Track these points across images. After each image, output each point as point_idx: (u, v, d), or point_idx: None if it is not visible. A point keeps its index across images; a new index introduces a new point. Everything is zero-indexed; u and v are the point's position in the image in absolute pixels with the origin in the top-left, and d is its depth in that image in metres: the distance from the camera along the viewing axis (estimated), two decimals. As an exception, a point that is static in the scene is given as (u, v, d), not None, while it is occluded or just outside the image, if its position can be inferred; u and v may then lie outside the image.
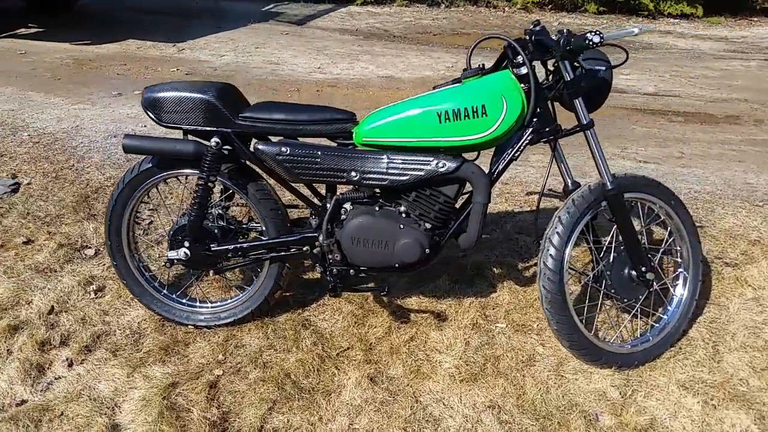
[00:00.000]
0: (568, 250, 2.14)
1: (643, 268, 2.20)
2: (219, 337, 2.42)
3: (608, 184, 2.12)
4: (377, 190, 2.23)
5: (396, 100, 2.22)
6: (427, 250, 2.16)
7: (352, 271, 2.27)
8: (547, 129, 2.16)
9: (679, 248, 2.36)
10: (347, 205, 2.23)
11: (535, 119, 2.13)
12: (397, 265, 2.20)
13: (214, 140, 2.13)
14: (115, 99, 4.97)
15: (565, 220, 2.13)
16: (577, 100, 2.12)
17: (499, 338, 2.42)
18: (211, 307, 2.48)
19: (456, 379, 2.21)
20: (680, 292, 2.37)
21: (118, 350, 2.35)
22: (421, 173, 2.11)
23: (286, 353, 2.33)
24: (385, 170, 2.13)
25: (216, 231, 2.32)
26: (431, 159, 2.11)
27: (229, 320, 2.44)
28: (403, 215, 2.19)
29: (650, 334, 2.34)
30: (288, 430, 2.03)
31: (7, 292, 2.61)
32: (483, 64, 2.17)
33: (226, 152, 2.17)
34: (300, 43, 7.15)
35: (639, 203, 2.29)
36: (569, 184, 2.26)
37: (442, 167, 2.11)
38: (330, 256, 2.23)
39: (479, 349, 2.36)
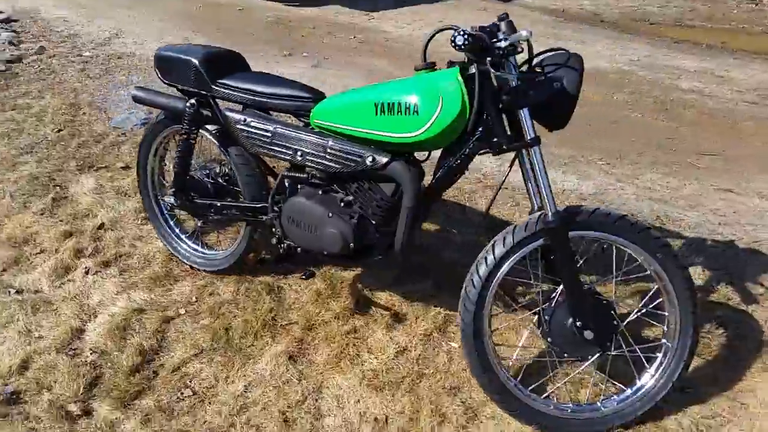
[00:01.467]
0: (494, 283, 1.88)
1: (578, 323, 1.84)
2: (203, 281, 2.65)
3: (549, 215, 1.80)
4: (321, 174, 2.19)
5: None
6: (352, 245, 2.08)
7: (298, 248, 2.29)
8: (494, 140, 1.88)
9: (666, 313, 1.91)
10: (292, 184, 2.24)
11: (480, 128, 1.89)
12: (324, 252, 2.16)
13: (191, 101, 2.31)
14: (283, 58, 5.46)
15: (497, 250, 1.88)
16: (521, 111, 1.81)
17: (441, 358, 2.24)
18: (205, 254, 2.71)
19: (365, 383, 2.13)
20: (652, 371, 1.92)
21: (125, 271, 2.72)
22: (353, 165, 2.03)
23: (242, 311, 2.46)
24: (324, 155, 2.09)
25: (207, 186, 2.52)
26: (364, 152, 2.01)
27: (213, 269, 2.65)
28: (342, 204, 2.13)
29: (601, 405, 1.95)
30: (196, 378, 2.18)
31: (86, 204, 3.17)
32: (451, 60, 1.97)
33: (206, 113, 2.34)
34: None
35: (611, 245, 1.89)
36: (535, 207, 1.97)
37: (371, 162, 2.00)
38: (273, 230, 2.28)
39: (411, 362, 2.22)
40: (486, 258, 1.89)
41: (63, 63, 5.25)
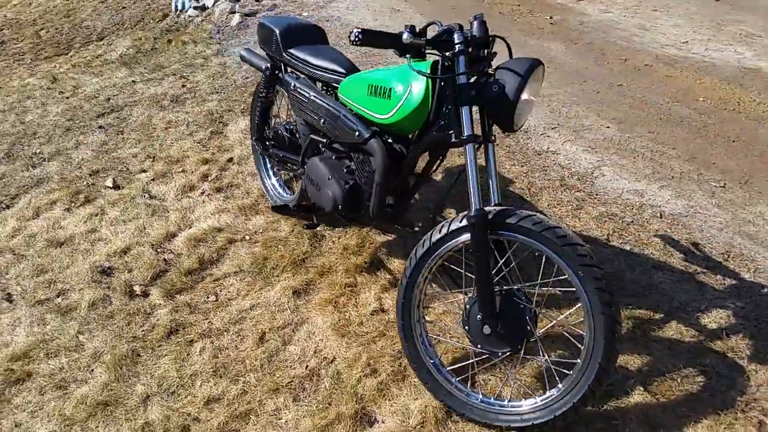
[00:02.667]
0: (426, 265, 2.01)
1: (481, 319, 1.89)
2: (275, 218, 3.15)
3: (471, 212, 1.87)
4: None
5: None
6: (340, 206, 2.36)
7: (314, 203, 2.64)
8: (450, 132, 1.97)
9: (584, 332, 1.84)
10: (315, 146, 2.57)
11: (441, 121, 1.99)
12: (324, 209, 2.48)
13: (266, 65, 2.76)
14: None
15: (434, 236, 1.99)
16: (462, 109, 1.87)
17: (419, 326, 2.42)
18: (280, 195, 3.21)
19: (335, 327, 2.44)
20: (560, 385, 1.88)
21: (228, 198, 3.37)
22: (349, 136, 2.29)
23: (284, 248, 2.92)
24: (335, 124, 2.38)
25: (284, 138, 2.99)
26: (355, 126, 2.26)
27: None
28: (345, 170, 2.41)
29: (507, 403, 1.99)
30: (225, 289, 2.72)
31: (231, 141, 3.91)
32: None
33: (279, 77, 2.78)
34: (706, 13, 6.12)
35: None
36: (493, 201, 2.03)
37: (357, 136, 2.24)
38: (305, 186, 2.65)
39: (381, 323, 2.45)
40: (424, 242, 2.03)
41: (283, 20, 6.18)
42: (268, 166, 3.31)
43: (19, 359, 2.42)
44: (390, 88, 2.07)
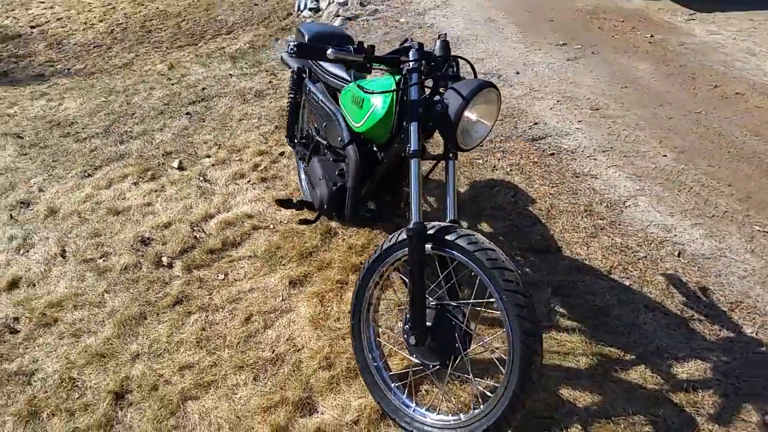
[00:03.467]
0: (376, 271, 2.08)
1: (412, 335, 1.93)
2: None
3: (410, 225, 1.92)
4: None
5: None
6: (325, 206, 2.50)
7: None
8: (407, 146, 2.02)
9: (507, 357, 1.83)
10: (317, 146, 2.72)
11: (402, 134, 2.05)
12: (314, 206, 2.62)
13: (293, 68, 2.96)
14: (555, 48, 5.49)
15: (385, 245, 2.06)
16: (410, 124, 1.92)
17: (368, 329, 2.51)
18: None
19: (313, 319, 2.57)
20: (481, 407, 1.88)
21: (268, 189, 3.62)
22: (334, 141, 2.42)
23: (298, 240, 3.10)
24: (328, 128, 2.52)
25: (312, 136, 3.17)
26: (341, 132, 2.38)
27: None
28: (337, 172, 2.53)
29: (427, 413, 2.01)
30: (235, 270, 2.96)
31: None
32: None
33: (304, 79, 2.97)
34: None
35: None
36: (447, 219, 2.07)
37: (339, 141, 2.36)
38: None
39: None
40: (377, 249, 2.11)
41: (378, 26, 6.38)
42: (301, 162, 3.52)
43: (53, 306, 2.82)
44: (364, 99, 2.17)
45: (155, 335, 2.60)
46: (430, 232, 1.91)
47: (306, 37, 2.89)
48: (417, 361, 2.03)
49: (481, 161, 3.60)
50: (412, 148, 1.95)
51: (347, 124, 2.38)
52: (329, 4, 7.49)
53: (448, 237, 1.87)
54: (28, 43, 8.53)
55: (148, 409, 2.24)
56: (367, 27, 6.26)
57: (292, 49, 1.87)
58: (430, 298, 1.99)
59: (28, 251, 3.26)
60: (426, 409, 2.06)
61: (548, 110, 4.16)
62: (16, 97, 5.80)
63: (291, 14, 8.73)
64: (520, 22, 6.09)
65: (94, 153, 4.24)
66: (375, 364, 2.16)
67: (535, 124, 3.98)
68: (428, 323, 1.95)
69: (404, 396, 2.11)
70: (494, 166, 3.54)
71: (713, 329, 2.34)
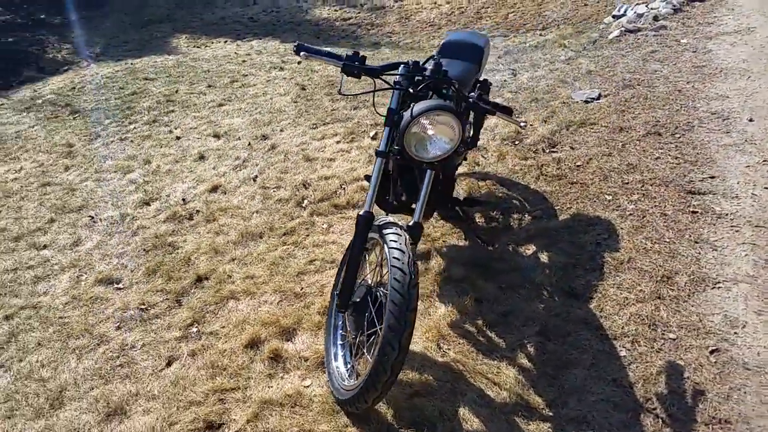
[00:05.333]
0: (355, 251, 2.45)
1: (337, 300, 2.27)
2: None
3: (361, 212, 2.22)
4: None
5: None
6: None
7: None
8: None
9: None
10: None
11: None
12: None
13: None
14: None
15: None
16: (384, 128, 2.23)
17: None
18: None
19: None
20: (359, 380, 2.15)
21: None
22: None
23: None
24: None
25: None
26: None
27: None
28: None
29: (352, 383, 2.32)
30: (321, 216, 3.59)
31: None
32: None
33: None
34: None
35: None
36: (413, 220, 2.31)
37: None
38: None
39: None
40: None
41: (647, 43, 5.91)
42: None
43: (221, 211, 3.90)
44: None
45: (254, 251, 3.42)
46: (376, 222, 2.23)
47: (443, 42, 3.23)
48: (341, 322, 2.39)
49: None
50: (379, 148, 2.26)
51: None
52: (641, 15, 7.14)
53: (385, 231, 2.16)
54: (386, 14, 10.21)
55: (205, 291, 3.10)
56: (637, 44, 5.90)
57: (294, 48, 2.34)
58: (367, 279, 2.32)
59: (239, 170, 4.44)
60: (348, 369, 2.39)
61: None
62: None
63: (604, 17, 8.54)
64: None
65: (333, 113, 5.27)
66: (334, 321, 2.57)
67: None
68: (357, 299, 2.27)
69: (347, 358, 2.42)
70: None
71: None
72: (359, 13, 10.25)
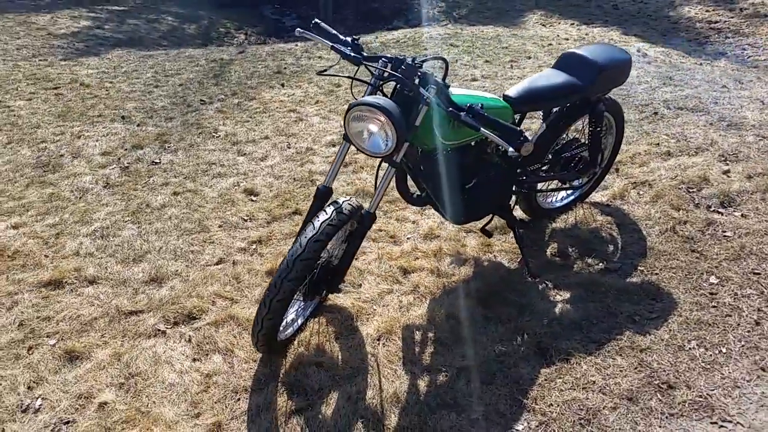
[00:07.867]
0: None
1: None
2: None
3: (319, 186, 2.48)
4: None
5: None
6: None
7: None
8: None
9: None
10: None
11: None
12: None
13: None
14: None
15: None
16: None
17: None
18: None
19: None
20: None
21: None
22: None
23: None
24: None
25: None
26: None
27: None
28: None
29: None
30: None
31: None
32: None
33: None
34: None
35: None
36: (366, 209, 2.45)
37: None
38: None
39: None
40: None
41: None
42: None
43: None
44: None
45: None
46: (332, 199, 2.44)
47: (579, 51, 2.99)
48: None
49: None
50: (344, 132, 2.35)
51: None
52: None
53: (330, 206, 2.35)
54: (763, 23, 8.48)
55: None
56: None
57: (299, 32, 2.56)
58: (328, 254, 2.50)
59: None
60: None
61: None
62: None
63: None
64: None
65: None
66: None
67: None
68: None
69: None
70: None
71: None
72: (732, 17, 8.87)
